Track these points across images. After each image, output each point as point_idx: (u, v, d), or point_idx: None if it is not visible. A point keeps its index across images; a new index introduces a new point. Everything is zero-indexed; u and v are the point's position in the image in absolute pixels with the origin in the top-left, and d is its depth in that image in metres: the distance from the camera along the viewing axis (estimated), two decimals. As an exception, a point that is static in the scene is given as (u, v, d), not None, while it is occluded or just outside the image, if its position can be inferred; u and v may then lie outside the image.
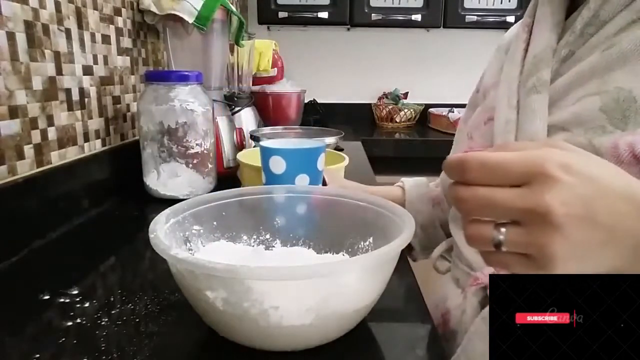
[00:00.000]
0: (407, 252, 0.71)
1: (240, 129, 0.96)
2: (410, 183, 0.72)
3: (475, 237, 0.27)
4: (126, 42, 0.89)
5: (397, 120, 1.98)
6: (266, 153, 0.58)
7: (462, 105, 2.30)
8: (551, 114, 0.43)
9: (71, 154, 0.71)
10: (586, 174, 0.25)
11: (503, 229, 0.26)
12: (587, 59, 0.41)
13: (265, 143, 0.60)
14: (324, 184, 0.62)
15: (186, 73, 0.77)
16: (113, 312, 0.44)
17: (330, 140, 1.07)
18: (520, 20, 0.58)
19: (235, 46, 1.07)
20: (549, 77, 0.44)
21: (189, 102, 0.76)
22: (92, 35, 0.76)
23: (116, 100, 0.85)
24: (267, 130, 1.19)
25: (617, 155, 0.35)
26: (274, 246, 0.51)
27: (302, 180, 0.57)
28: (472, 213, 0.27)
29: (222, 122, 0.93)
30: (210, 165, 0.81)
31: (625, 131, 0.36)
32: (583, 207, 0.24)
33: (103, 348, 0.38)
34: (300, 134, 1.21)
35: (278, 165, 0.57)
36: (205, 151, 0.79)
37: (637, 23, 0.39)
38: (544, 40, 0.46)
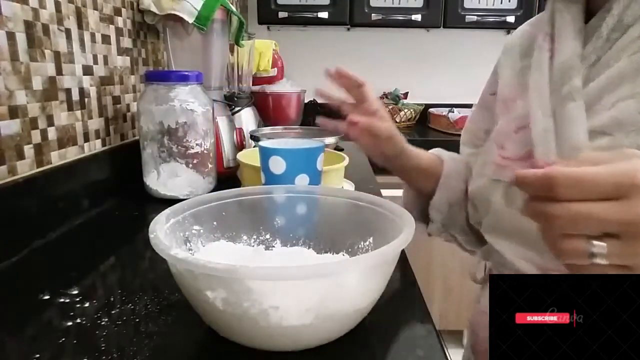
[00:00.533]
0: (425, 225, 0.68)
1: (240, 129, 0.96)
2: (447, 156, 0.69)
3: (570, 251, 0.27)
4: (126, 42, 0.89)
5: (397, 120, 1.98)
6: (266, 153, 0.58)
7: (462, 105, 2.29)
8: (588, 119, 0.44)
9: (71, 154, 0.71)
10: None
11: (599, 242, 0.26)
12: (616, 65, 0.43)
13: (264, 143, 0.60)
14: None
15: (186, 73, 0.77)
16: (113, 312, 0.44)
17: (330, 140, 1.07)
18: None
19: (235, 46, 1.07)
20: (581, 84, 0.45)
21: (189, 102, 0.76)
22: (92, 35, 0.76)
23: (116, 100, 0.85)
24: (267, 130, 1.19)
25: None
26: (274, 246, 0.51)
27: (302, 180, 0.57)
28: (566, 229, 0.27)
29: (222, 122, 0.93)
30: (210, 165, 0.81)
31: None
32: None
33: (103, 348, 0.38)
34: (300, 134, 1.21)
35: (278, 165, 0.57)
36: (205, 151, 0.79)
37: None
38: (569, 48, 0.47)
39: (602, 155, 0.29)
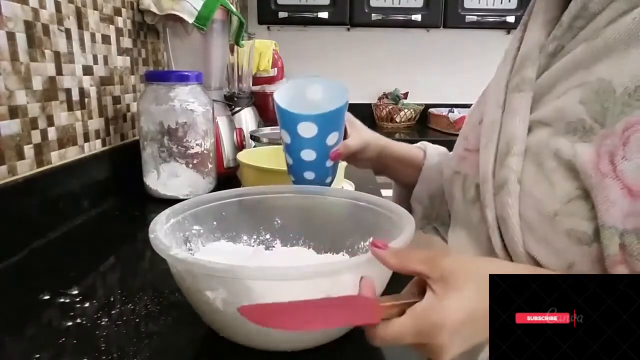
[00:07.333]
0: None
1: (240, 129, 0.96)
2: (432, 149, 0.68)
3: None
4: (126, 42, 0.89)
5: (397, 120, 1.98)
6: (293, 119, 0.53)
7: (462, 105, 2.29)
8: (536, 110, 0.42)
9: (71, 154, 0.71)
10: (461, 334, 0.31)
11: None
12: (572, 51, 0.40)
13: (284, 105, 0.54)
14: (345, 135, 0.58)
15: (186, 73, 0.77)
16: (113, 312, 0.44)
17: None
18: None
19: (235, 46, 1.07)
20: (534, 75, 0.43)
21: (189, 102, 0.76)
22: (92, 35, 0.76)
23: (116, 100, 0.85)
24: (267, 130, 1.19)
25: (598, 169, 0.33)
26: (274, 246, 0.51)
27: (333, 138, 0.54)
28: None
29: (222, 122, 0.93)
30: (210, 165, 0.81)
31: (604, 126, 0.34)
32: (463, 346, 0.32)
33: (103, 348, 0.38)
34: None
35: (308, 130, 0.53)
36: (205, 151, 0.79)
37: (628, 14, 0.36)
38: (534, 37, 0.45)
39: (423, 255, 0.34)
